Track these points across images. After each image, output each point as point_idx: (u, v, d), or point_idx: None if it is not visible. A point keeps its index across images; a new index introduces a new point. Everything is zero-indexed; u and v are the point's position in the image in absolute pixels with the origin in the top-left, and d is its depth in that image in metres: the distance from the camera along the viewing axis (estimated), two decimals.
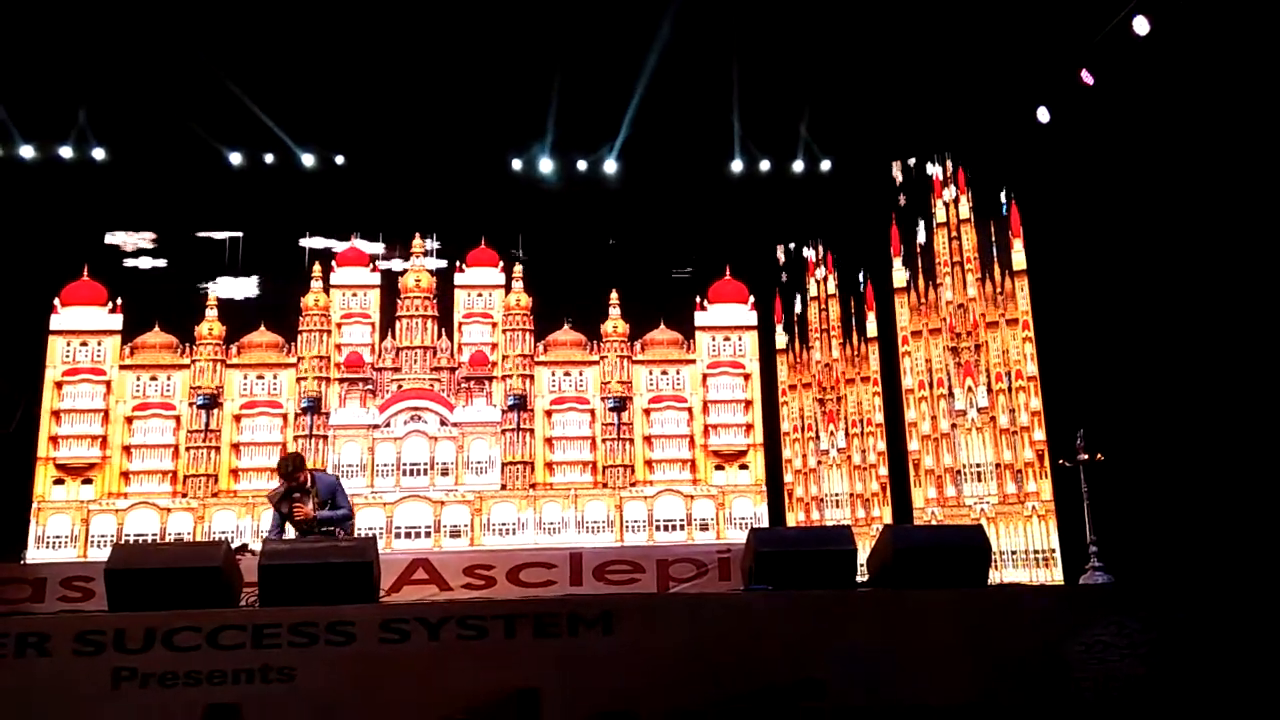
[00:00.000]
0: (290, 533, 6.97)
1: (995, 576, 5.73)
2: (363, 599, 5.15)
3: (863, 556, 9.43)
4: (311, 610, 4.94)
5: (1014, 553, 7.88)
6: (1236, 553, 6.00)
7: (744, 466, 11.71)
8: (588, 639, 5.03)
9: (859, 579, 5.57)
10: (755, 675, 4.99)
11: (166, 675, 4.79)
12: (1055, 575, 7.59)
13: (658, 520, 11.50)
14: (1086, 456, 6.34)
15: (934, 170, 9.15)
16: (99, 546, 10.87)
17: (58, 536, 10.89)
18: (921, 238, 9.15)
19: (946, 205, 8.94)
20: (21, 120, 10.16)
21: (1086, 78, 8.33)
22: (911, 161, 9.22)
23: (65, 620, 4.98)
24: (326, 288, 11.82)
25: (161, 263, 11.60)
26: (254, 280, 11.72)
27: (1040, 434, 7.87)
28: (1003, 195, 8.46)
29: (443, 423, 11.63)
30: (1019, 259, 8.31)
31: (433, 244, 12.08)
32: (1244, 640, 5.00)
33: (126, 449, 11.27)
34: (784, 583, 5.32)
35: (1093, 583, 6.21)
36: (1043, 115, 8.79)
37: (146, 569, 5.10)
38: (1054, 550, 7.62)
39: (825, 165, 10.63)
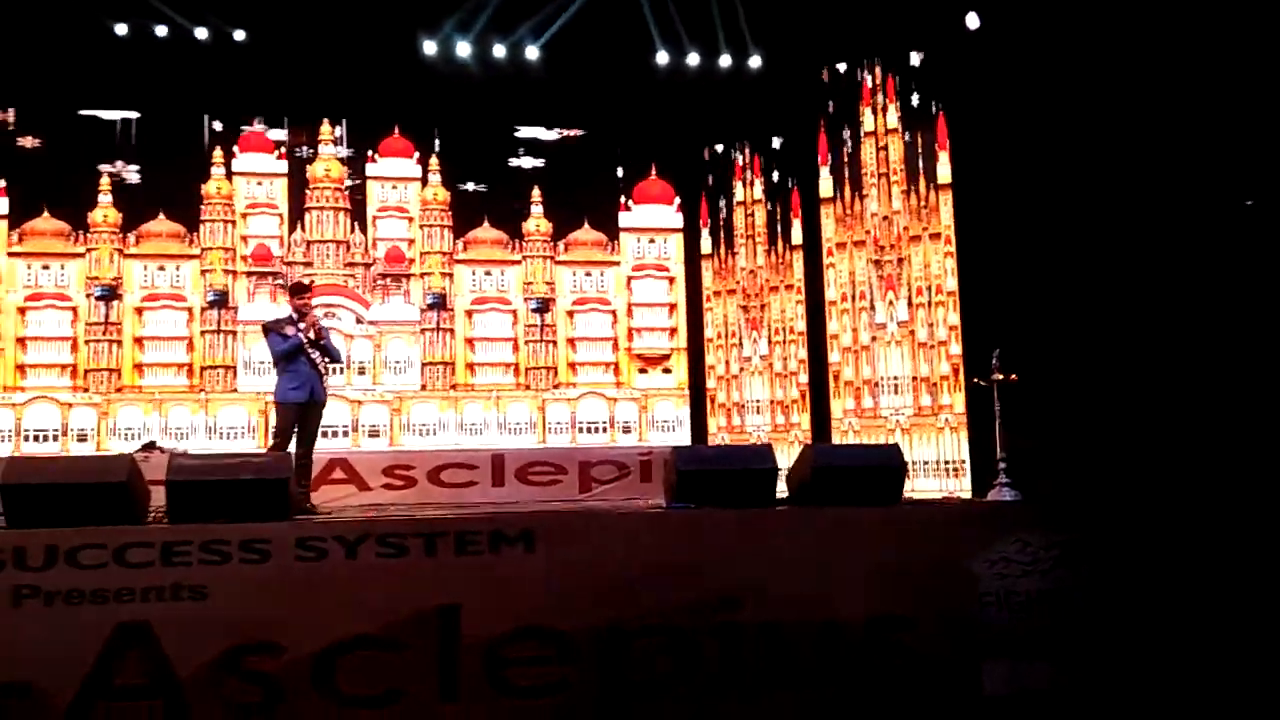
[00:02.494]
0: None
1: (907, 485, 5.88)
2: (276, 517, 5.04)
3: (783, 461, 9.68)
4: (223, 528, 4.83)
5: (926, 463, 8.12)
6: (1142, 475, 6.27)
7: (667, 370, 11.75)
8: (509, 556, 5.04)
9: (779, 496, 5.65)
10: (675, 591, 5.09)
11: (72, 593, 4.66)
12: (964, 484, 7.87)
13: (580, 422, 11.51)
14: (1001, 376, 6.48)
15: (863, 76, 8.98)
16: None
17: None
18: (849, 146, 9.04)
19: (875, 114, 8.81)
20: None
21: None
22: (842, 67, 9.03)
23: None
24: (229, 174, 11.22)
25: (43, 142, 10.83)
26: (149, 164, 11.06)
27: (957, 348, 8.01)
28: (931, 106, 8.36)
29: (359, 320, 11.32)
30: (944, 172, 8.29)
31: (342, 131, 11.52)
32: (1144, 559, 5.27)
33: (21, 341, 10.71)
34: (705, 500, 5.38)
35: (1000, 499, 6.44)
36: (972, 21, 8.61)
37: (45, 484, 4.88)
38: (964, 461, 7.87)
39: (755, 62, 10.35)
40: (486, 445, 10.98)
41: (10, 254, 10.74)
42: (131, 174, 11.03)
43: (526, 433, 11.41)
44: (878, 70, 8.91)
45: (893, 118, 8.67)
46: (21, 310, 10.73)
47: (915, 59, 8.66)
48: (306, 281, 8.66)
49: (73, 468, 5.17)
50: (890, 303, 8.52)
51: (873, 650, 5.16)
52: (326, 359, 7.54)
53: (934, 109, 8.36)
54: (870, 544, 5.31)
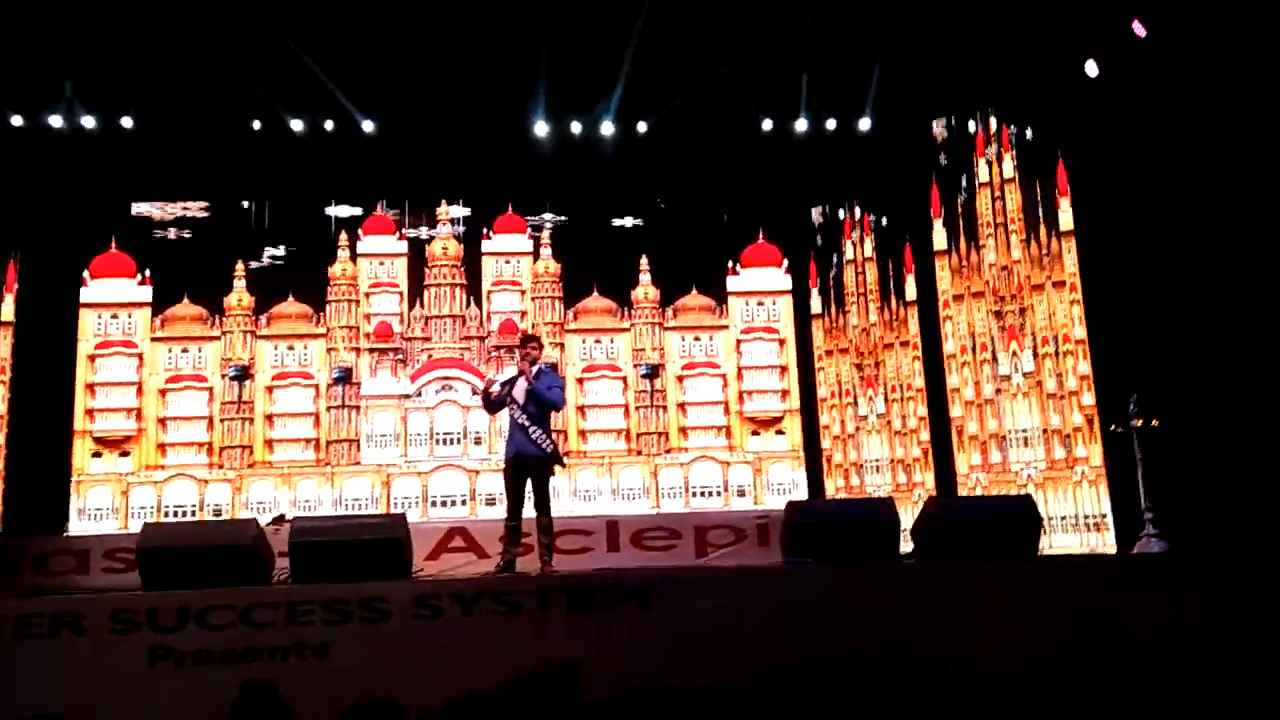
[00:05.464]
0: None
1: (1045, 542, 5.54)
2: (394, 575, 5.09)
3: (906, 522, 9.29)
4: (344, 588, 4.90)
5: (1064, 518, 7.67)
6: None
7: (780, 432, 11.54)
8: (624, 613, 4.96)
9: (903, 550, 5.40)
10: (794, 649, 4.89)
11: (202, 653, 4.78)
12: (1107, 539, 7.38)
13: (694, 487, 11.38)
14: (1140, 422, 6.11)
15: (976, 128, 8.81)
16: (139, 518, 10.94)
17: (98, 509, 10.97)
18: (963, 198, 8.83)
19: (990, 164, 8.61)
20: (42, 89, 10.07)
21: (1138, 29, 7.96)
22: (953, 120, 8.89)
23: (99, 600, 4.96)
24: (353, 256, 11.73)
25: (188, 233, 11.56)
26: (281, 250, 11.67)
27: (1089, 398, 7.60)
28: (1049, 153, 8.12)
29: (474, 391, 11.53)
30: (1066, 219, 7.98)
31: (459, 211, 11.93)
32: None
33: (161, 421, 11.29)
34: (824, 555, 5.18)
35: (1148, 550, 6.01)
36: (1091, 69, 8.42)
37: (178, 547, 5.07)
38: (1104, 515, 7.39)
39: (864, 124, 10.33)
40: (600, 512, 10.93)
41: (154, 339, 11.40)
42: (263, 260, 11.63)
43: (640, 498, 11.33)
44: (991, 120, 8.73)
45: (1009, 167, 8.44)
46: (162, 392, 11.34)
47: (1030, 107, 8.46)
48: (532, 331, 8.59)
49: (202, 532, 5.34)
50: (1014, 354, 8.19)
51: (1014, 705, 4.83)
52: (531, 409, 6.72)
53: (1052, 156, 8.11)
54: (1005, 600, 5.00)
